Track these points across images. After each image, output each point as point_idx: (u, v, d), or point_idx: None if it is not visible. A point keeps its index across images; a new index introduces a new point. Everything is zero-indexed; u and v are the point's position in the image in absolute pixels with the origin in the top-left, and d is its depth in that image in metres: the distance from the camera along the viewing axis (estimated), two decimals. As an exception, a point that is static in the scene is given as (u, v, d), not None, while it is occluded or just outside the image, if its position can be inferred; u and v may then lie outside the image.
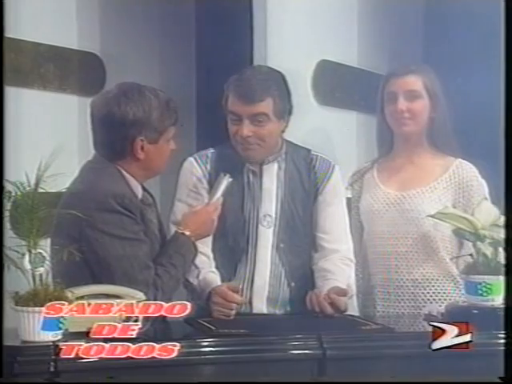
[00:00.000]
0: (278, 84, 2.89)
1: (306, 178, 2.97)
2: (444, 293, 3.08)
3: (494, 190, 2.97)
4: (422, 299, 3.08)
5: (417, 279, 3.08)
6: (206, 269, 2.87)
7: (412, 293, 3.09)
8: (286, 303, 2.96)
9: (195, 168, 2.95)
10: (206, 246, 2.89)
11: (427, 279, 3.08)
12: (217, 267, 2.91)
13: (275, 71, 2.96)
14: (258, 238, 2.93)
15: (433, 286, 3.08)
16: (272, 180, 2.95)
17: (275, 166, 2.96)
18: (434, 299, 3.07)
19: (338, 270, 2.93)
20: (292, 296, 2.96)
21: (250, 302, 2.92)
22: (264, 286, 2.93)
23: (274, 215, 2.94)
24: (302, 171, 2.97)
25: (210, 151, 2.99)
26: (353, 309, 3.08)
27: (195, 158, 2.98)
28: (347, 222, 3.03)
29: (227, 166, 2.92)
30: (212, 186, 2.88)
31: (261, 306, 2.92)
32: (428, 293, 3.08)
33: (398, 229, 3.10)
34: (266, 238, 2.93)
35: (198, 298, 2.82)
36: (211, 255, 2.91)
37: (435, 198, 3.08)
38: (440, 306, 2.93)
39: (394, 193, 3.14)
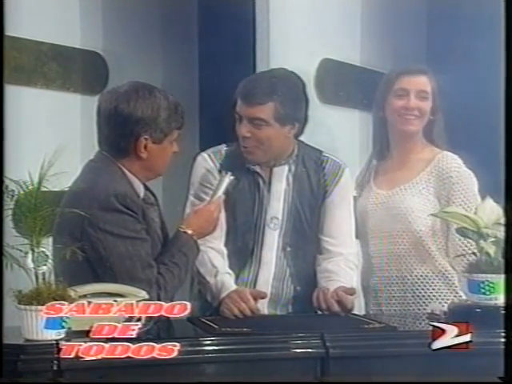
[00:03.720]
0: (287, 90, 2.84)
1: (315, 181, 2.96)
2: (433, 289, 3.07)
3: (494, 184, 2.97)
4: (412, 296, 3.08)
5: (406, 276, 3.09)
6: (223, 269, 2.86)
7: (401, 290, 3.09)
8: (288, 306, 2.97)
9: (208, 164, 2.94)
10: (219, 241, 2.89)
11: (416, 276, 3.08)
12: (230, 266, 2.90)
13: (292, 76, 2.90)
14: (264, 239, 2.93)
15: (422, 284, 3.08)
16: (281, 182, 2.94)
17: (286, 168, 2.95)
18: (423, 296, 3.07)
19: (342, 271, 2.92)
20: (296, 299, 2.96)
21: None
22: (266, 287, 2.93)
23: (280, 217, 2.93)
24: (312, 173, 2.96)
25: (224, 147, 2.98)
26: (359, 308, 3.09)
27: (209, 154, 2.97)
28: (353, 225, 3.03)
29: (239, 163, 2.91)
30: None
31: (261, 307, 2.91)
32: (417, 290, 3.08)
33: (386, 227, 3.11)
34: (272, 240, 2.93)
35: (212, 297, 2.83)
36: (225, 251, 2.91)
37: (416, 192, 3.09)
38: (443, 305, 2.93)
39: (382, 192, 3.16)
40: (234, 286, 2.82)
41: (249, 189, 2.93)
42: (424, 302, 3.04)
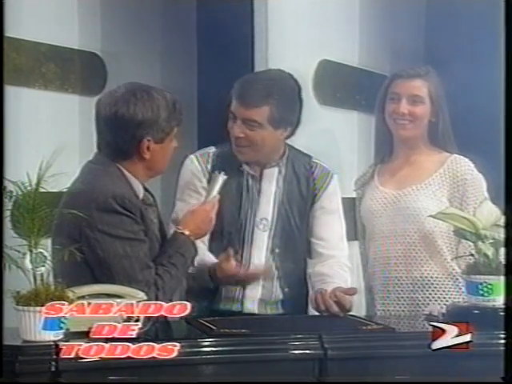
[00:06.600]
0: (283, 93, 2.85)
1: (305, 185, 2.98)
2: (444, 291, 3.07)
3: (494, 186, 2.97)
4: (422, 297, 3.08)
5: (416, 277, 3.09)
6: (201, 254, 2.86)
7: (411, 290, 3.09)
8: (278, 307, 2.98)
9: (195, 166, 2.96)
10: (202, 244, 2.89)
11: (427, 278, 3.08)
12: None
13: (288, 79, 2.90)
14: (253, 240, 2.94)
15: (432, 285, 3.08)
16: (271, 184, 2.96)
17: (276, 170, 2.96)
18: (433, 297, 3.07)
19: (336, 273, 2.94)
20: (285, 300, 2.97)
21: (242, 303, 2.93)
22: (257, 287, 2.94)
23: (270, 219, 2.95)
24: (301, 178, 2.98)
25: (212, 150, 2.99)
26: (360, 309, 3.09)
27: (196, 156, 2.98)
28: (344, 229, 3.05)
29: (228, 165, 2.92)
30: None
31: (252, 307, 2.93)
32: (427, 291, 3.08)
33: (397, 227, 3.11)
34: (261, 241, 2.94)
35: (199, 276, 2.84)
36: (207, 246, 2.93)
37: (430, 193, 3.09)
38: (441, 306, 2.92)
39: (391, 192, 3.15)
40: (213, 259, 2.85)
41: (238, 190, 2.93)
42: (434, 304, 3.03)
